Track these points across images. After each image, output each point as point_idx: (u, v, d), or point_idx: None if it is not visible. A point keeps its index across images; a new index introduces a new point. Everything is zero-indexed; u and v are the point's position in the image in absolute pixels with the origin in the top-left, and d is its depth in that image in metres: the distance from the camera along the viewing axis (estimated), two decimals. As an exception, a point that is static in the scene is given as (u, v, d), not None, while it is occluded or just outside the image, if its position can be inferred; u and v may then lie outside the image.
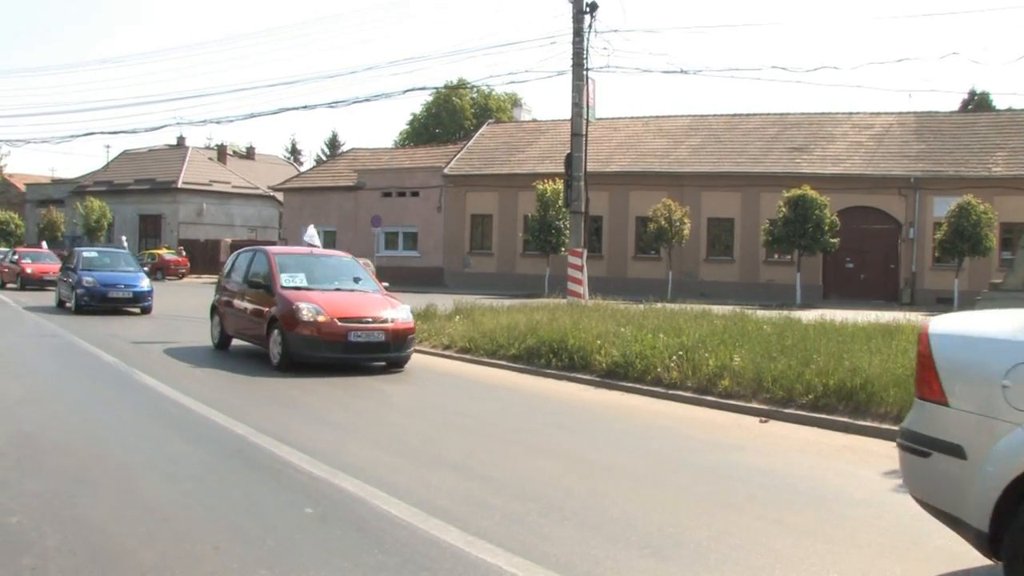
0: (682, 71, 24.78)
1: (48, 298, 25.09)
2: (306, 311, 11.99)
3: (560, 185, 27.16)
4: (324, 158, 62.41)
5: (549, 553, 4.78)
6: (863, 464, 7.52)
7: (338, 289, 13.27)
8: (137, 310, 21.41)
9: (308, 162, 67.37)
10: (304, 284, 13.10)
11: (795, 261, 31.01)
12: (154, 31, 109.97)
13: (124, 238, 38.06)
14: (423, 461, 7.02)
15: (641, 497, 6.16)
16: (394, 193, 43.19)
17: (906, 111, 36.87)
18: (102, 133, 38.93)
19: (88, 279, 20.91)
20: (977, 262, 29.16)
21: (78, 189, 53.92)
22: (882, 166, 33.15)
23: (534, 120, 47.64)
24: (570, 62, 22.42)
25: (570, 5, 22.35)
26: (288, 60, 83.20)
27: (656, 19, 67.05)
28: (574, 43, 22.22)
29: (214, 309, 14.81)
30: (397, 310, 12.75)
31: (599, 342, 12.48)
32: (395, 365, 12.74)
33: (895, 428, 8.38)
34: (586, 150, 22.53)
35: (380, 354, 12.52)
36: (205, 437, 7.74)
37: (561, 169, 23.91)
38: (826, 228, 29.62)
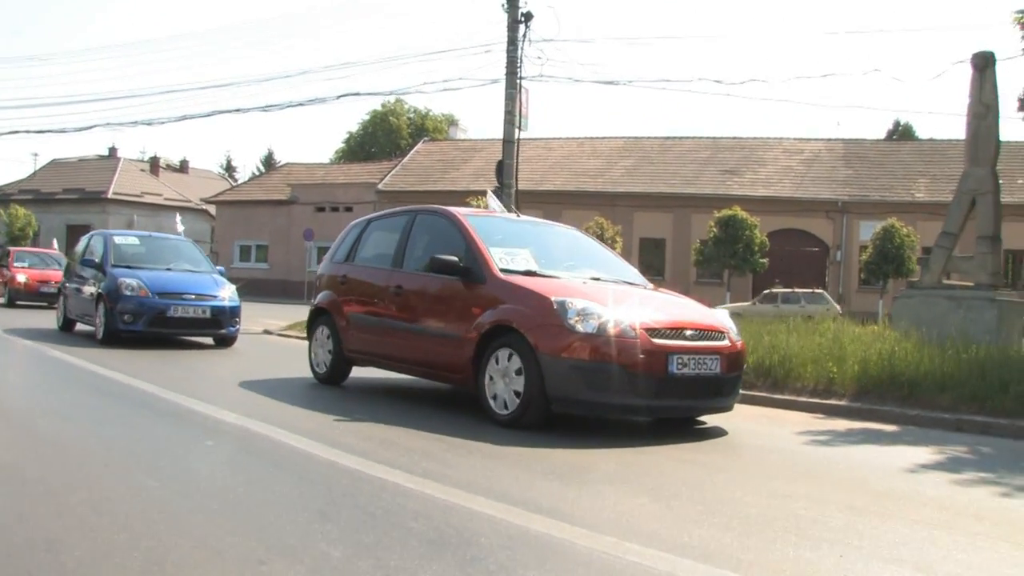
0: (614, 82, 24.40)
1: (46, 320, 16.75)
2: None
3: (494, 200, 27.13)
4: (259, 174, 61.70)
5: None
6: (778, 426, 7.65)
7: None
8: (209, 339, 13.37)
9: (243, 178, 66.56)
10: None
11: (725, 281, 31.38)
12: (86, 29, 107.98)
13: (55, 241, 36.89)
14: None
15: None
16: (328, 208, 42.94)
17: (834, 138, 37.77)
18: (28, 132, 37.99)
19: (131, 282, 12.25)
20: (900, 283, 29.75)
21: (2, 197, 52.53)
22: (811, 190, 33.83)
23: (469, 139, 47.76)
24: (504, 70, 22.50)
25: (505, 14, 22.47)
26: (221, 63, 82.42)
27: (590, 30, 67.95)
28: (508, 52, 22.24)
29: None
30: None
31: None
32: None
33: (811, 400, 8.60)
34: (518, 158, 22.55)
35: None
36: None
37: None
38: (756, 249, 30.08)
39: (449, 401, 8.28)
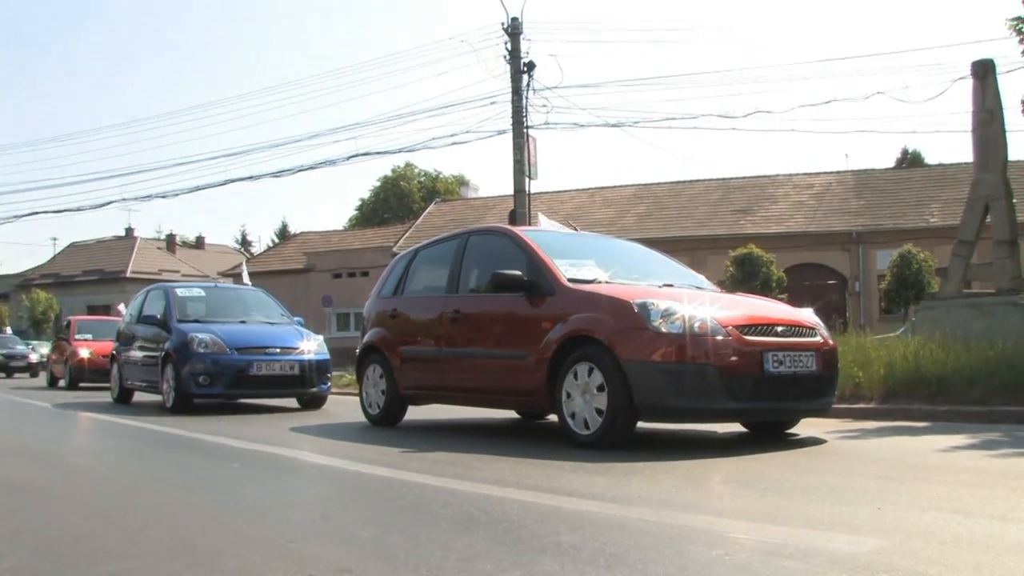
0: (619, 124, 24.56)
1: (100, 395, 14.91)
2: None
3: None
4: (274, 245, 62.21)
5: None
6: (802, 428, 7.54)
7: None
8: (291, 397, 11.51)
9: (258, 251, 67.10)
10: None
11: (744, 318, 31.22)
12: (95, 109, 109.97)
13: (121, 305, 36.63)
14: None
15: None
16: (344, 274, 43.11)
17: (844, 170, 37.83)
18: (46, 212, 38.57)
19: (204, 338, 10.68)
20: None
21: (24, 282, 53.18)
22: (824, 223, 33.78)
23: (480, 197, 48.08)
24: (510, 121, 22.73)
25: (508, 65, 22.76)
26: (230, 132, 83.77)
27: (593, 75, 68.63)
28: (513, 102, 22.50)
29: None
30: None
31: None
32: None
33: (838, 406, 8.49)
34: (530, 207, 22.68)
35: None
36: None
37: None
38: (773, 285, 29.91)
39: (517, 431, 7.87)
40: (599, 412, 5.88)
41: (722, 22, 79.91)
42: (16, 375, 29.68)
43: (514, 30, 22.21)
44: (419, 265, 8.63)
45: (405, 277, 8.59)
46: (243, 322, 11.79)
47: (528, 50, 22.38)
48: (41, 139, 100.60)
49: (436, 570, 2.82)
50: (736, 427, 7.05)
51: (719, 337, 5.75)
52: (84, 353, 18.32)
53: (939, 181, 34.68)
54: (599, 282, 6.64)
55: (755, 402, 5.92)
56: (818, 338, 6.37)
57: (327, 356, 11.39)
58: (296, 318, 12.54)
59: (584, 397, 6.01)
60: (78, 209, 37.57)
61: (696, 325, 5.76)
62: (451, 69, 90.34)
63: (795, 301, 30.76)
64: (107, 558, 3.10)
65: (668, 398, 5.73)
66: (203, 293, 12.80)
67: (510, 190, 23.26)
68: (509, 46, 22.26)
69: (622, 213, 38.80)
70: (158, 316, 11.79)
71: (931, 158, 53.10)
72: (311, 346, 11.23)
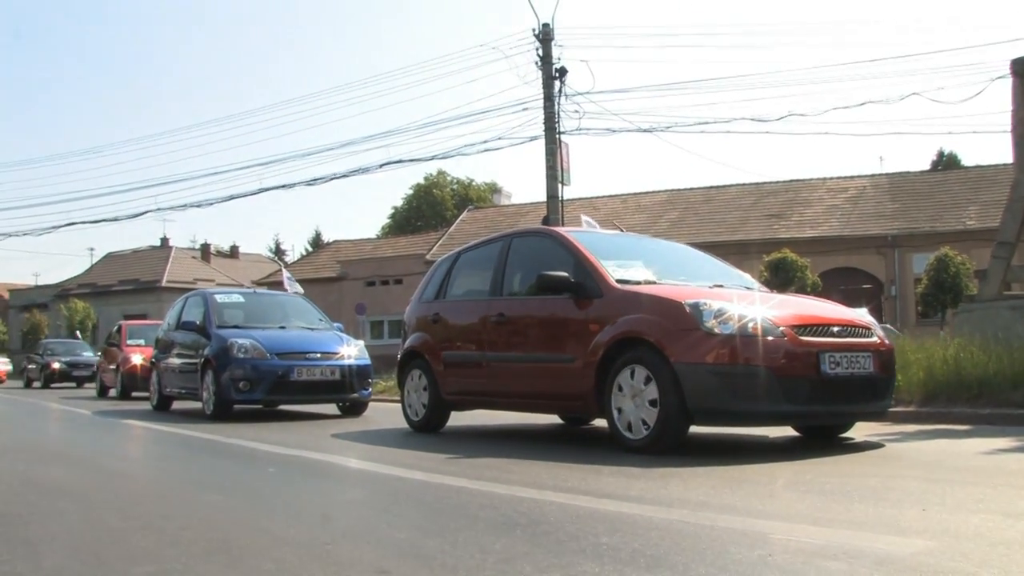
0: (652, 129, 24.42)
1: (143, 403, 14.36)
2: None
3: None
4: (308, 254, 62.61)
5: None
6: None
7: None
8: (332, 404, 11.48)
9: (292, 259, 67.53)
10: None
11: (779, 324, 30.97)
12: (130, 120, 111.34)
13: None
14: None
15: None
16: (377, 282, 43.25)
17: (879, 173, 37.45)
18: (83, 223, 38.95)
19: (244, 343, 10.57)
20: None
21: (62, 292, 53.84)
22: (859, 227, 33.44)
23: (513, 204, 48.10)
24: (542, 127, 22.71)
25: (539, 71, 22.74)
26: (264, 142, 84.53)
27: (625, 79, 68.40)
28: (545, 108, 22.49)
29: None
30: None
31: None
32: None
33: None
34: (563, 213, 22.64)
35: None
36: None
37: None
38: (808, 290, 29.65)
39: (559, 437, 7.72)
40: (649, 416, 5.71)
41: (752, 25, 79.49)
42: (86, 384, 26.04)
43: (545, 36, 22.21)
44: (461, 269, 8.48)
45: (447, 281, 8.44)
46: (283, 328, 11.65)
47: (560, 56, 22.41)
48: (76, 151, 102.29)
49: (474, 571, 2.79)
50: (786, 431, 6.92)
51: (774, 338, 5.58)
52: (137, 359, 17.05)
53: (976, 183, 34.23)
54: (648, 283, 6.46)
55: (811, 405, 5.71)
56: (874, 338, 6.17)
57: (368, 361, 11.23)
58: (336, 323, 12.45)
59: (634, 401, 5.83)
60: (114, 219, 38.11)
61: (750, 326, 5.59)
62: (483, 76, 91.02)
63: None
64: (145, 559, 3.10)
65: (722, 401, 5.54)
66: (242, 299, 12.70)
67: (543, 196, 23.24)
68: (541, 52, 22.26)
69: (655, 219, 38.65)
70: (197, 322, 11.71)
71: (967, 160, 52.51)
72: (352, 351, 11.09)
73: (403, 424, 8.49)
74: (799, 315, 5.91)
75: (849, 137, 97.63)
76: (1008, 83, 12.76)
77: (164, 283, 51.37)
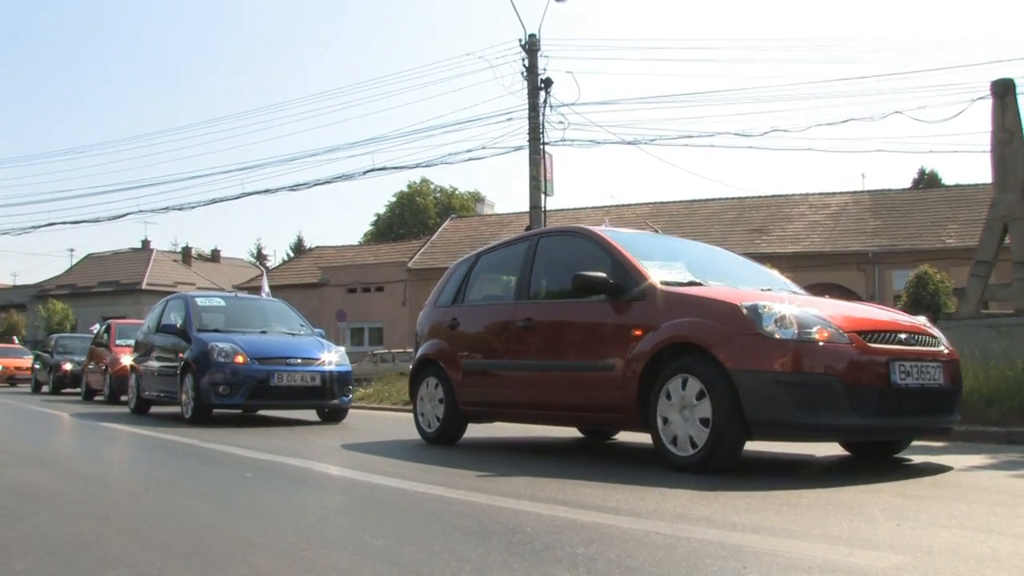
0: (636, 142, 24.53)
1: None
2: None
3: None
4: (289, 259, 62.51)
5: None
6: (812, 448, 7.45)
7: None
8: (311, 410, 11.48)
9: (273, 265, 67.37)
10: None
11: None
12: (113, 121, 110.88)
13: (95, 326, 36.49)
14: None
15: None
16: (359, 289, 43.18)
17: (860, 190, 37.75)
18: (64, 224, 38.58)
19: (224, 347, 10.49)
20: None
21: (40, 293, 53.51)
22: (840, 243, 33.66)
23: (496, 214, 48.14)
24: (527, 137, 22.75)
25: (525, 82, 22.79)
26: (248, 147, 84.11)
27: (610, 92, 68.72)
28: (530, 118, 22.54)
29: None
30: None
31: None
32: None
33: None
34: (545, 224, 22.67)
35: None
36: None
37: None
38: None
39: (556, 450, 7.44)
40: (699, 432, 5.24)
41: (738, 40, 79.95)
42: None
43: (532, 47, 22.28)
44: (481, 271, 7.99)
45: (465, 284, 7.96)
46: (264, 333, 11.55)
47: (545, 67, 22.48)
48: (59, 151, 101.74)
49: (449, 579, 2.78)
50: (834, 448, 6.68)
51: (841, 344, 5.15)
52: (127, 360, 15.30)
53: (956, 201, 34.53)
54: (693, 284, 5.99)
55: (880, 418, 5.23)
56: (943, 348, 5.82)
57: (349, 368, 11.14)
58: (317, 329, 12.35)
59: (683, 414, 5.35)
60: (95, 220, 37.85)
61: (814, 330, 5.14)
62: (468, 85, 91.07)
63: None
64: (118, 563, 3.08)
65: (785, 413, 5.05)
66: (223, 303, 12.54)
67: (525, 207, 23.27)
68: (527, 62, 22.34)
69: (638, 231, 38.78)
70: (178, 325, 11.57)
71: (948, 178, 53.05)
72: (333, 357, 10.98)
73: (382, 431, 8.51)
74: (865, 320, 5.50)
75: (832, 153, 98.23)
76: (988, 104, 12.89)
77: (144, 285, 51.13)
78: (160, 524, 3.87)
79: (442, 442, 7.56)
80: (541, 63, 22.36)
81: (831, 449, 6.62)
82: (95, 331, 20.93)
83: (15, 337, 36.40)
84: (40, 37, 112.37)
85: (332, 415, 11.09)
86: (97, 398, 17.88)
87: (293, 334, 11.80)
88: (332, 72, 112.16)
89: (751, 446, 6.86)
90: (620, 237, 6.68)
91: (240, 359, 10.36)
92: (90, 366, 18.66)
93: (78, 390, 20.55)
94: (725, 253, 7.81)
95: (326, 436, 8.80)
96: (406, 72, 79.36)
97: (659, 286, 5.85)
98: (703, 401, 5.23)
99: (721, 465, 5.19)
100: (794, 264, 32.22)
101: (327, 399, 10.80)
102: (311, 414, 11.47)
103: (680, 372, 5.41)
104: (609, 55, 74.67)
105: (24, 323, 49.12)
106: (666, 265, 6.33)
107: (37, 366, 24.53)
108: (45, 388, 22.85)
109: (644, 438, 7.07)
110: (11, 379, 27.68)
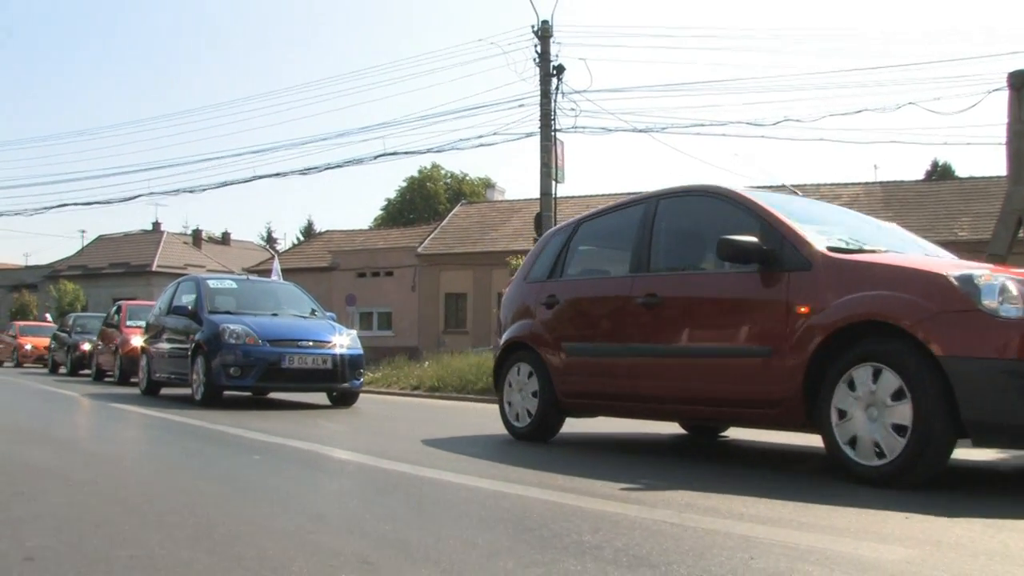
0: (648, 130, 24.43)
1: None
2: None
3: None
4: (299, 243, 62.62)
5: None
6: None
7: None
8: (322, 393, 11.46)
9: (284, 248, 67.50)
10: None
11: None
12: (125, 103, 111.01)
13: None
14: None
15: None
16: (368, 273, 43.21)
17: (873, 181, 37.59)
18: (76, 204, 38.62)
19: (236, 329, 10.49)
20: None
21: (52, 273, 53.66)
22: (851, 234, 33.56)
23: (506, 200, 48.09)
24: (538, 124, 22.70)
25: (537, 68, 22.72)
26: (259, 130, 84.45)
27: (623, 79, 68.44)
28: (542, 105, 22.50)
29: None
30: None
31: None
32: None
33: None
34: (556, 212, 22.64)
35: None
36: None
37: (536, 247, 23.85)
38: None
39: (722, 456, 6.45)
40: (896, 433, 4.28)
41: (751, 29, 79.56)
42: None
43: (544, 33, 22.22)
44: (583, 241, 7.02)
45: (563, 256, 6.90)
46: (275, 315, 11.51)
47: (558, 53, 22.45)
48: (71, 132, 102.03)
49: (457, 565, 2.79)
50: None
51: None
52: (137, 341, 15.31)
53: (969, 194, 34.38)
54: (871, 252, 5.03)
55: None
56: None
57: (360, 351, 11.08)
58: (329, 313, 12.32)
59: (868, 412, 4.43)
60: (107, 202, 38.07)
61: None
62: (480, 71, 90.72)
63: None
64: (127, 543, 3.09)
65: (1016, 412, 4.04)
66: (235, 285, 12.53)
67: (536, 193, 23.24)
68: (539, 49, 22.29)
69: (648, 219, 38.68)
70: (189, 307, 11.59)
71: (962, 171, 52.76)
72: (344, 340, 10.90)
73: (391, 415, 8.47)
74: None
75: (844, 144, 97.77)
76: (1004, 95, 12.79)
77: (155, 267, 51.27)
78: (169, 505, 3.89)
79: (535, 438, 6.65)
80: (553, 49, 22.33)
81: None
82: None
83: (48, 315, 35.11)
84: (54, 20, 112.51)
85: (343, 399, 11.06)
86: (107, 379, 17.89)
87: (304, 317, 11.80)
88: (344, 57, 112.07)
89: (755, 435, 6.90)
90: (767, 198, 5.59)
91: (252, 341, 10.35)
92: (100, 347, 18.61)
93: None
94: (878, 222, 6.55)
95: (335, 419, 8.82)
96: (418, 57, 79.39)
97: (828, 253, 4.89)
98: (898, 395, 4.29)
99: (921, 477, 4.25)
100: (805, 255, 32.18)
101: (338, 382, 10.74)
102: (321, 397, 11.47)
103: (867, 359, 4.46)
104: (621, 42, 74.33)
105: (36, 303, 49.30)
106: (824, 231, 5.28)
107: (53, 345, 24.12)
108: (63, 369, 22.54)
109: (748, 434, 6.95)
110: (41, 359, 26.42)
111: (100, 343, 18.69)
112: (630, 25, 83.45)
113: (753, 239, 5.06)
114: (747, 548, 3.04)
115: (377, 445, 6.59)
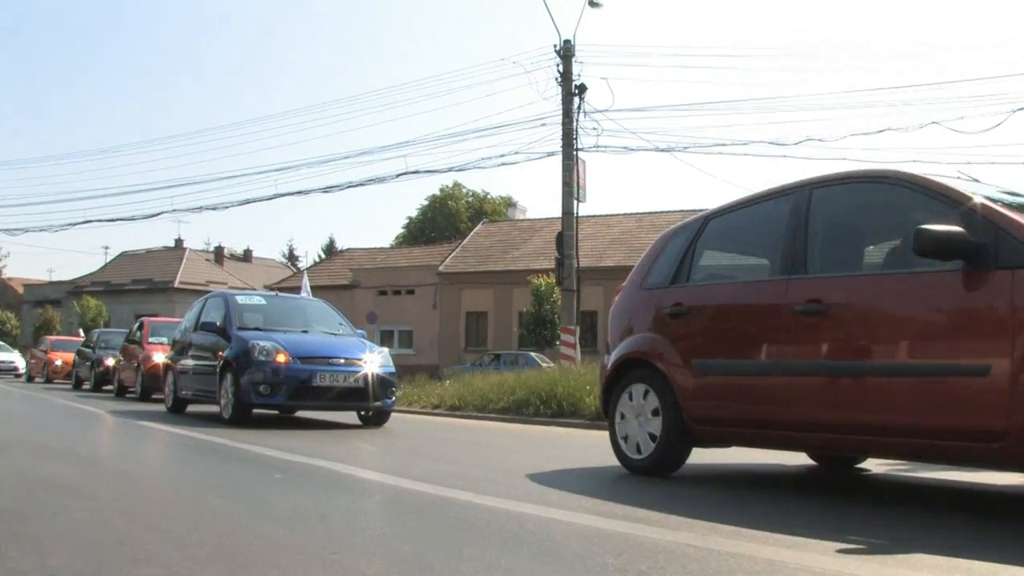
0: (670, 149, 24.40)
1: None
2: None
3: (555, 279, 26.21)
4: (321, 260, 62.88)
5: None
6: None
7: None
8: (352, 412, 11.18)
9: (305, 265, 67.79)
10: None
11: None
12: (149, 121, 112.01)
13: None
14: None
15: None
16: (389, 291, 43.32)
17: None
18: (100, 221, 38.90)
19: (266, 346, 10.19)
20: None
21: (75, 289, 54.08)
22: (874, 255, 33.34)
23: (528, 219, 48.14)
24: (560, 143, 22.73)
25: (559, 87, 22.78)
26: (281, 148, 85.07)
27: (645, 99, 68.45)
28: (563, 124, 22.53)
29: None
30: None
31: (589, 387, 12.30)
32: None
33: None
34: (577, 231, 22.63)
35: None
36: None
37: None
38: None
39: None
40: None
41: (772, 48, 79.55)
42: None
43: (566, 52, 22.29)
44: (713, 239, 6.00)
45: (689, 258, 5.91)
46: (305, 332, 11.21)
47: (579, 73, 22.49)
48: (95, 149, 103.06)
49: (479, 587, 2.77)
50: (803, 459, 6.84)
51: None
52: (159, 358, 15.21)
53: (994, 215, 34.14)
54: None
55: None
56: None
57: (393, 369, 10.76)
58: (359, 331, 12.00)
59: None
60: (130, 219, 38.38)
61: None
62: (502, 90, 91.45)
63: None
64: (149, 562, 3.09)
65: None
66: (264, 302, 12.28)
67: (557, 212, 23.21)
68: (561, 68, 22.35)
69: (669, 239, 38.58)
70: (217, 324, 11.21)
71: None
72: (376, 359, 10.55)
73: (420, 434, 8.42)
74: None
75: (867, 163, 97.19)
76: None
77: (177, 284, 51.65)
78: (191, 523, 3.89)
79: (657, 472, 5.66)
80: (575, 69, 22.38)
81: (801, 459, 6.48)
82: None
83: (80, 330, 34.68)
84: (77, 36, 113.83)
85: (374, 418, 10.80)
86: (128, 395, 17.82)
87: (334, 334, 11.52)
88: (367, 76, 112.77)
89: (768, 456, 6.84)
90: (953, 182, 4.63)
91: (282, 358, 10.05)
92: (122, 363, 18.48)
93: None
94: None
95: (365, 439, 8.78)
96: (440, 76, 79.82)
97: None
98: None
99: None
100: (827, 275, 32.00)
101: (370, 401, 10.42)
102: (351, 416, 11.31)
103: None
104: (643, 61, 74.60)
105: (59, 319, 49.69)
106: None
107: (77, 361, 23.62)
108: (86, 385, 22.21)
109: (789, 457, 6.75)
110: (71, 375, 25.20)
111: (122, 359, 18.58)
112: (652, 44, 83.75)
113: (959, 229, 4.13)
114: (772, 573, 3.01)
115: (401, 465, 6.58)
